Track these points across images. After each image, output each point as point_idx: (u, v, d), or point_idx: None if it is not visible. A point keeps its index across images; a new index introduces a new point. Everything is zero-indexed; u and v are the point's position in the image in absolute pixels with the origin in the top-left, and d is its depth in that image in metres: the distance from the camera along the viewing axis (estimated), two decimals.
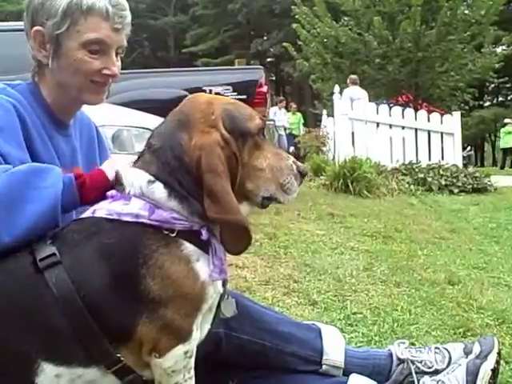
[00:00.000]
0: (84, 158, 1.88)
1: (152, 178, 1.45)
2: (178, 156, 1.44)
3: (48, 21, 1.65)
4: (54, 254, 1.42)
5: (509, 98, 35.76)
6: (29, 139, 1.62)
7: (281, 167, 1.53)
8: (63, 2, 1.63)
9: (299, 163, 1.58)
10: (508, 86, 33.67)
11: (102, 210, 1.47)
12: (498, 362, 1.78)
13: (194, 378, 1.52)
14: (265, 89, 7.52)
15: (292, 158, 1.58)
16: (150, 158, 1.48)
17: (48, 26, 1.65)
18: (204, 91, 7.18)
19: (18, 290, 1.40)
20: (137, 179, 1.46)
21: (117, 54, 1.74)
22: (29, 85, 1.75)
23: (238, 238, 1.48)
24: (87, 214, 1.50)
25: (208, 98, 1.53)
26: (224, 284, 1.55)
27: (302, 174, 1.56)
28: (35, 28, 1.68)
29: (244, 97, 7.30)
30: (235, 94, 7.36)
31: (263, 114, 7.33)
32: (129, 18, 1.73)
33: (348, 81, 12.68)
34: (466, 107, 19.69)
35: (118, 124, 4.49)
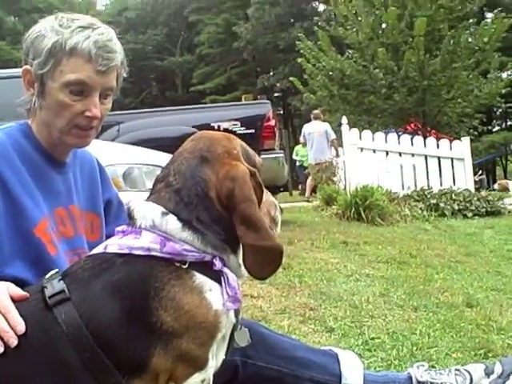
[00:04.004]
0: (85, 196, 1.89)
1: (165, 211, 1.45)
2: (200, 192, 1.46)
3: (34, 60, 1.67)
4: (63, 291, 1.43)
5: None
6: (3, 183, 1.62)
7: (271, 202, 1.62)
8: (49, 42, 1.64)
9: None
10: None
11: (113, 245, 1.48)
12: None
13: None
14: (273, 122, 7.56)
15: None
16: (169, 195, 1.48)
17: (34, 65, 1.67)
18: (212, 127, 7.25)
19: (29, 326, 1.40)
20: (150, 212, 1.47)
21: (106, 96, 1.73)
22: (21, 125, 1.77)
23: (268, 263, 1.48)
24: (99, 249, 1.52)
25: (224, 135, 1.59)
26: (237, 314, 1.55)
27: (281, 210, 1.68)
28: (25, 67, 1.71)
29: (252, 131, 7.34)
30: (243, 128, 7.39)
31: (272, 146, 7.37)
32: (117, 61, 1.70)
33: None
34: (475, 133, 19.62)
35: (128, 162, 4.53)
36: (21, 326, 1.39)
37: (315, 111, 13.89)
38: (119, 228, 1.53)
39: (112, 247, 1.47)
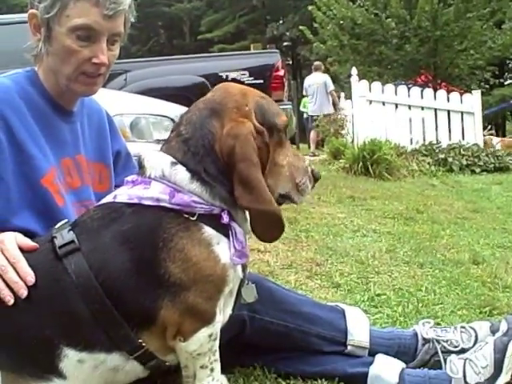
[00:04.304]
0: (93, 146, 1.87)
1: (174, 161, 1.46)
2: (207, 144, 1.45)
3: (40, 4, 1.63)
4: (72, 241, 1.44)
5: None
6: (10, 131, 1.60)
7: (298, 167, 1.57)
8: None
9: (313, 167, 1.62)
10: None
11: (122, 195, 1.48)
12: None
13: (219, 361, 1.53)
14: (282, 72, 7.47)
15: (307, 161, 1.63)
16: (178, 145, 1.49)
17: (40, 8, 1.63)
18: (221, 77, 7.17)
19: (38, 277, 1.42)
20: (159, 162, 1.47)
21: (114, 42, 1.69)
22: (27, 72, 1.74)
23: (270, 228, 1.48)
24: (108, 199, 1.52)
25: (241, 89, 1.55)
26: (244, 269, 1.56)
27: (315, 178, 1.60)
28: (31, 11, 1.67)
29: (261, 81, 7.26)
30: (252, 78, 7.32)
31: (280, 98, 7.29)
32: (124, 5, 1.65)
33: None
34: (487, 86, 19.31)
35: (135, 112, 4.50)
36: (30, 277, 1.40)
37: (316, 62, 13.82)
38: (129, 178, 1.53)
39: (121, 197, 1.47)
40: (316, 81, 13.05)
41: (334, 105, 12.85)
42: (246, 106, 1.49)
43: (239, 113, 1.47)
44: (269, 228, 1.48)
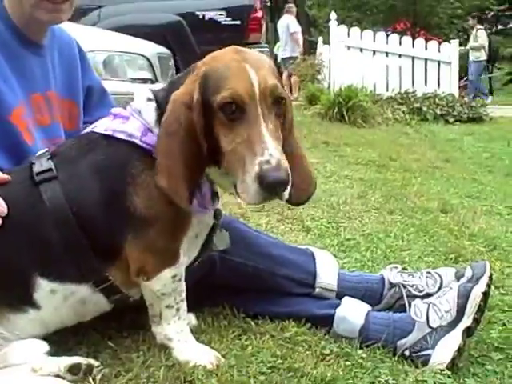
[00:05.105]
0: (63, 82, 1.83)
1: (152, 97, 1.47)
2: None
3: None
4: (50, 169, 1.45)
5: (508, 26, 34.95)
6: None
7: (243, 160, 1.27)
8: None
9: (272, 167, 1.21)
10: (508, 13, 32.85)
11: (101, 126, 1.50)
12: (489, 286, 1.80)
13: (185, 301, 1.55)
14: (259, 14, 7.32)
15: (264, 158, 1.23)
16: (165, 85, 1.53)
17: None
18: (197, 16, 7.00)
19: (14, 203, 1.42)
20: (141, 96, 1.49)
21: None
22: None
23: None
24: (88, 129, 1.54)
25: (212, 58, 1.41)
26: (217, 216, 1.57)
27: (262, 182, 1.22)
28: None
29: (238, 22, 7.12)
30: (229, 19, 7.17)
31: (258, 40, 7.17)
32: None
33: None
34: (465, 36, 19.25)
35: (109, 49, 4.39)
36: (2, 208, 1.39)
37: (288, 5, 13.53)
38: (113, 110, 1.54)
39: (99, 128, 1.49)
40: (282, 24, 12.95)
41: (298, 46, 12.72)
42: (197, 74, 1.38)
43: (191, 79, 1.39)
44: None
